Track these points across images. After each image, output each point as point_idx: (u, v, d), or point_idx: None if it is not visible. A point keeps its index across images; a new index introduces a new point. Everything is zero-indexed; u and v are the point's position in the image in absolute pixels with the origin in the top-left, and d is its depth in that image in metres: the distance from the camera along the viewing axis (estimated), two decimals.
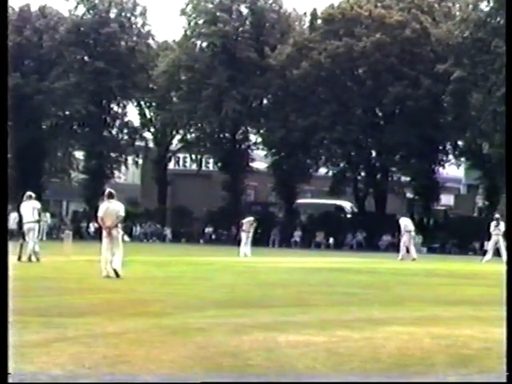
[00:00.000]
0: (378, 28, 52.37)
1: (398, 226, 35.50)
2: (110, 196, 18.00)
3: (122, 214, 17.75)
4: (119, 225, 17.64)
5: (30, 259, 23.22)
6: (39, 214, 24.40)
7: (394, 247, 42.03)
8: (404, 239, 34.42)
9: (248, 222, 34.60)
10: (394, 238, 44.88)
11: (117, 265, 17.09)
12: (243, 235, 34.02)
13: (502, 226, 33.20)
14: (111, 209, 17.72)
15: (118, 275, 16.91)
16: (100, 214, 17.79)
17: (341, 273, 22.10)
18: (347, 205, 62.20)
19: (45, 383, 6.16)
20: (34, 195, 24.56)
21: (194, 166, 62.53)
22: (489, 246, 35.11)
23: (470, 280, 19.94)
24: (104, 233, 17.69)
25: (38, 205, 24.59)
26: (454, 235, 51.15)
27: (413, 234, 35.17)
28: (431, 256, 42.80)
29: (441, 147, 55.01)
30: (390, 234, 50.32)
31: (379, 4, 54.02)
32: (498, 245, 33.73)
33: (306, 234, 54.76)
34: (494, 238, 34.09)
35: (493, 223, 34.09)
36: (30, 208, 23.86)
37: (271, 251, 39.98)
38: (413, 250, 34.35)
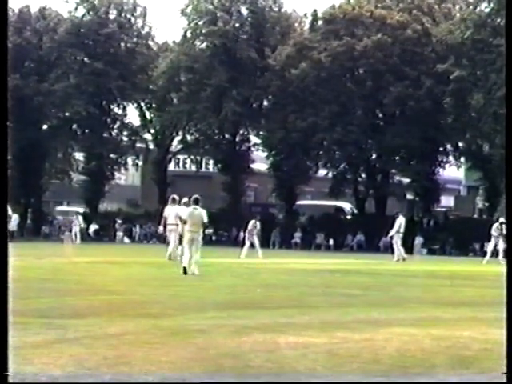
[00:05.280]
0: (378, 28, 52.41)
1: (392, 223, 35.17)
2: (196, 202, 19.55)
3: (206, 220, 19.42)
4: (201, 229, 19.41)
5: (170, 258, 24.42)
6: (180, 219, 24.95)
7: (393, 249, 41.97)
8: (396, 240, 34.23)
9: (252, 224, 35.02)
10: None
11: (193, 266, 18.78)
12: (248, 237, 34.44)
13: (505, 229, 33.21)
14: (196, 214, 19.25)
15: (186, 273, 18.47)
16: (184, 216, 19.83)
17: (341, 274, 22.10)
18: (347, 206, 62.15)
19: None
20: (177, 198, 24.97)
21: (194, 168, 62.57)
22: (488, 247, 35.17)
23: (470, 281, 19.94)
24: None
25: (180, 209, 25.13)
26: (454, 236, 51.09)
27: (400, 235, 34.87)
28: (431, 257, 42.82)
29: (441, 148, 54.99)
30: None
31: (380, 5, 54.07)
32: (498, 246, 33.75)
33: (306, 236, 54.72)
34: (494, 240, 34.14)
35: (496, 225, 34.09)
36: (173, 212, 24.37)
37: (271, 252, 39.89)
38: (399, 250, 34.21)
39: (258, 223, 35.20)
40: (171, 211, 25.16)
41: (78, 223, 47.65)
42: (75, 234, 46.77)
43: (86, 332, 8.56)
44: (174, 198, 25.61)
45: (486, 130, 47.96)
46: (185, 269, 18.61)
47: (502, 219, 34.54)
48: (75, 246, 41.11)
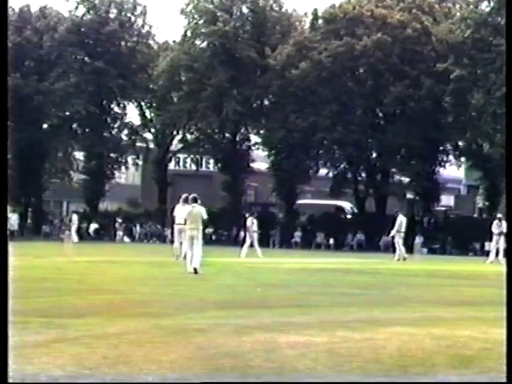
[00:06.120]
0: (379, 28, 52.42)
1: (393, 222, 35.19)
2: (194, 200, 20.06)
3: (205, 216, 19.90)
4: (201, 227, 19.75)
5: (178, 258, 24.41)
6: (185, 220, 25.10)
7: (395, 248, 42.01)
8: (397, 240, 34.30)
9: (250, 221, 34.93)
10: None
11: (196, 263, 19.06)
12: (249, 235, 34.31)
13: (504, 225, 33.14)
14: (195, 212, 19.79)
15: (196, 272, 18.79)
16: (184, 215, 20.57)
17: (341, 273, 22.09)
18: (347, 205, 62.16)
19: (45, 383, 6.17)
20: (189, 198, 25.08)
21: (195, 167, 62.62)
22: (491, 246, 35.10)
23: (470, 281, 19.93)
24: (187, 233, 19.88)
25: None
26: (454, 236, 51.12)
27: (402, 234, 34.92)
28: (431, 257, 42.81)
29: (441, 148, 54.98)
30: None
31: (380, 4, 54.08)
32: (498, 244, 33.69)
33: (307, 235, 54.72)
34: (495, 238, 34.08)
35: (495, 222, 34.04)
36: (181, 211, 24.64)
37: (271, 252, 39.91)
38: (401, 250, 34.21)
39: (255, 220, 35.11)
40: (180, 211, 25.35)
41: (75, 222, 47.57)
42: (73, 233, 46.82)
43: (87, 331, 8.56)
44: (185, 198, 25.67)
45: (486, 130, 47.98)
46: (195, 269, 18.90)
47: (499, 215, 34.54)
48: (74, 245, 41.13)
